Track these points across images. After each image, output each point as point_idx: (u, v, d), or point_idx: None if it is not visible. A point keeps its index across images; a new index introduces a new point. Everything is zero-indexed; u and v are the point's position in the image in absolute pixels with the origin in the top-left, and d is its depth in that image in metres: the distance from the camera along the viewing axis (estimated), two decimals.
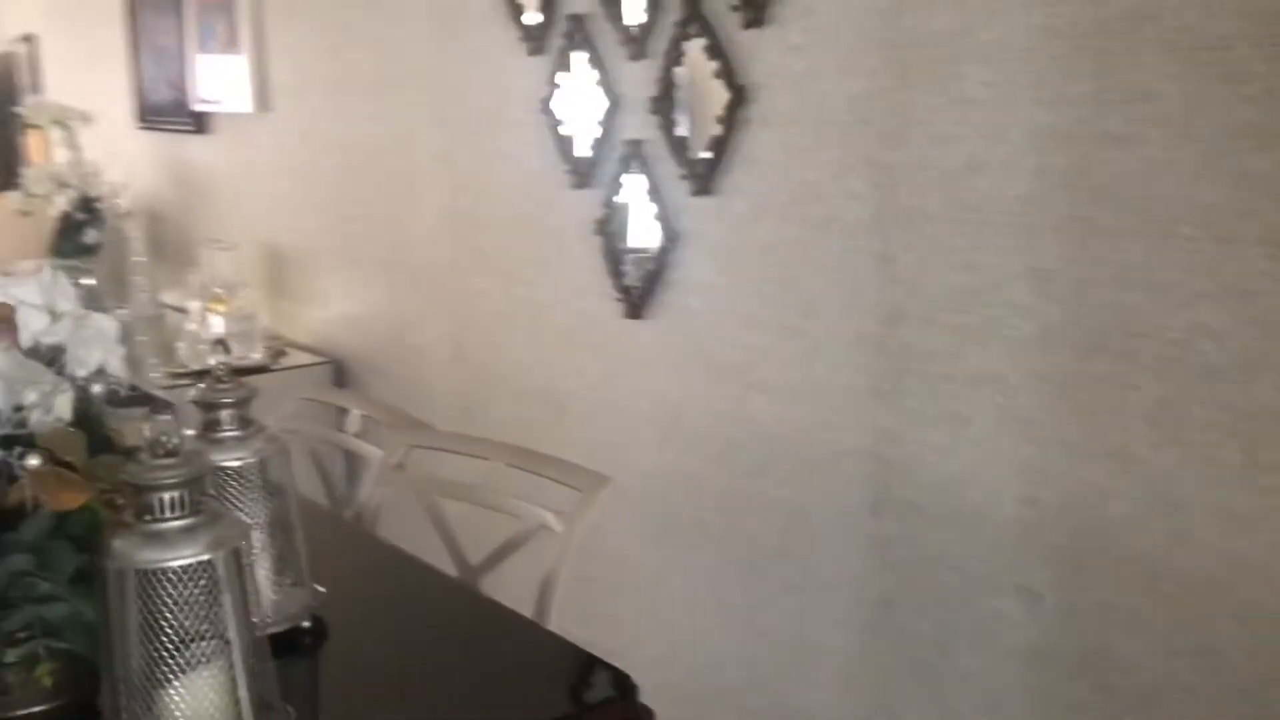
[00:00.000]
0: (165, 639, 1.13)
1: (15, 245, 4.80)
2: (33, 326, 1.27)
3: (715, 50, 2.11)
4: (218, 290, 3.70)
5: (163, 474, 1.14)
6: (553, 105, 2.50)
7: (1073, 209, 1.64)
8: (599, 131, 2.40)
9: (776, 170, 2.07)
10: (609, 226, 2.42)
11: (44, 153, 5.35)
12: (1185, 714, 1.62)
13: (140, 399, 1.57)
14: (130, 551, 1.13)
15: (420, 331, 3.14)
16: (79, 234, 4.57)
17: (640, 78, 2.29)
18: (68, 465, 1.27)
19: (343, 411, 2.44)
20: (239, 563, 1.18)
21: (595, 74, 2.38)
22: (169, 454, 1.16)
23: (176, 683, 1.14)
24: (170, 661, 1.14)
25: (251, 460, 1.49)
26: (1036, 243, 1.70)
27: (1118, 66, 1.58)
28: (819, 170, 1.99)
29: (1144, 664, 1.65)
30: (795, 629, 2.19)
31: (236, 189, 4.02)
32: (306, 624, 1.55)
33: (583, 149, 2.45)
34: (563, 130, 2.49)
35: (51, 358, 1.29)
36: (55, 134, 5.01)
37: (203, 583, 1.14)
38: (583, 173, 2.46)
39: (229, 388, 1.50)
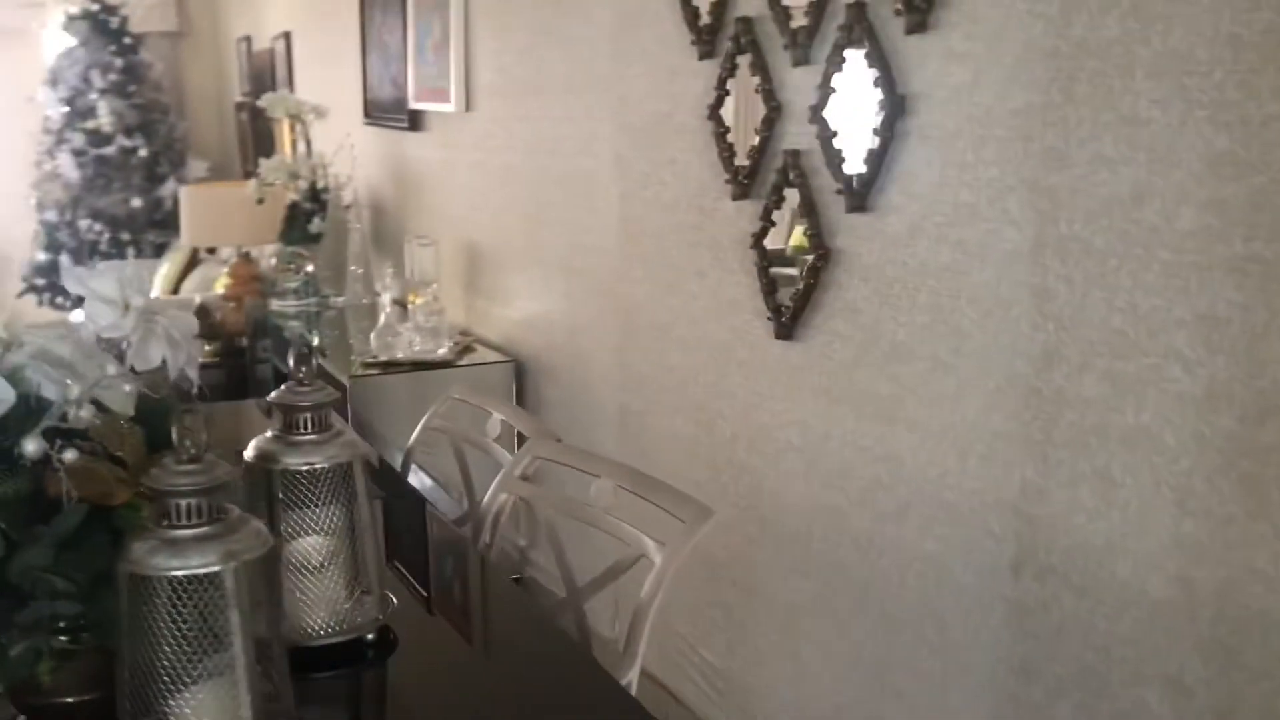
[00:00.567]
0: (168, 649, 1.11)
1: (251, 230, 5.10)
2: (99, 320, 1.28)
3: (876, 57, 1.95)
4: (415, 285, 3.79)
5: (181, 480, 1.12)
6: (719, 111, 2.40)
7: (1249, 249, 1.41)
8: (759, 141, 2.28)
9: (933, 188, 1.89)
10: (765, 241, 2.30)
11: (290, 143, 5.67)
12: None
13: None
14: (142, 556, 1.11)
15: (589, 337, 3.10)
16: (305, 223, 4.81)
17: (802, 85, 2.15)
18: (118, 461, 1.27)
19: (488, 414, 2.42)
20: (253, 576, 1.15)
21: (758, 80, 2.26)
22: (192, 460, 1.14)
23: (177, 695, 1.12)
24: (172, 673, 1.11)
25: (323, 465, 1.46)
26: (1206, 285, 1.47)
27: None
28: (976, 191, 1.80)
29: None
30: (929, 690, 2.00)
31: (442, 186, 4.11)
32: (370, 636, 1.51)
33: (743, 158, 2.34)
34: (727, 138, 2.39)
35: (117, 353, 1.29)
36: (295, 127, 5.29)
37: (210, 595, 1.11)
38: (742, 183, 2.34)
39: (308, 390, 1.48)
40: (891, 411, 2.03)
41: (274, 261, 4.85)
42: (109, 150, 7.29)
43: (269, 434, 1.48)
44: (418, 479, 3.38)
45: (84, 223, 7.33)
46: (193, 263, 6.34)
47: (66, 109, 7.29)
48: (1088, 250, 1.63)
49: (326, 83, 5.46)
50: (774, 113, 2.24)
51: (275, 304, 4.63)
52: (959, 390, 1.88)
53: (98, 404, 1.29)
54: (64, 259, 7.37)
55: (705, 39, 2.42)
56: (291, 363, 1.47)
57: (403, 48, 4.22)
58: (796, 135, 2.19)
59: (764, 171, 2.29)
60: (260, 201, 4.85)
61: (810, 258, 2.17)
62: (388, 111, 4.53)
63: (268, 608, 1.20)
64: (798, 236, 2.21)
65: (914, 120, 1.91)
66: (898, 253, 1.98)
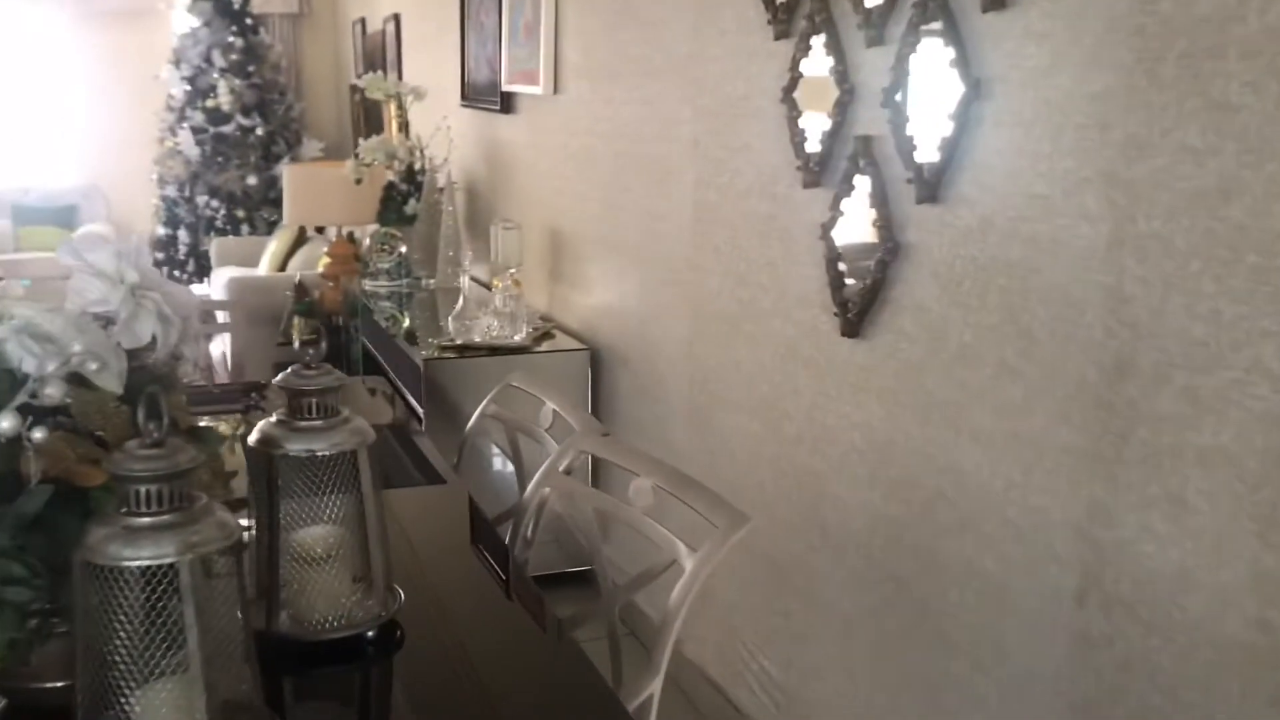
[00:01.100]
0: (123, 642, 1.05)
1: (350, 210, 5.13)
2: (87, 294, 1.24)
3: (951, 36, 1.81)
4: (498, 269, 3.75)
5: (139, 464, 1.06)
6: (793, 94, 2.28)
7: None
8: (831, 125, 2.15)
9: (1006, 179, 1.74)
10: (833, 231, 2.17)
11: (397, 125, 5.70)
12: None
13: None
14: (96, 543, 1.05)
15: (661, 327, 3.01)
16: (401, 204, 4.81)
17: (876, 66, 2.02)
18: (100, 442, 1.22)
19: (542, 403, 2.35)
20: (218, 569, 1.09)
21: (831, 60, 2.13)
22: (155, 444, 1.08)
23: (133, 690, 1.06)
24: (127, 667, 1.06)
25: (325, 452, 1.40)
26: None
27: None
28: (1051, 182, 1.65)
29: None
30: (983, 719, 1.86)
31: (530, 170, 4.05)
32: (370, 634, 1.45)
33: (815, 144, 2.21)
34: (800, 122, 2.26)
35: (104, 325, 1.25)
36: (396, 108, 5.31)
37: (165, 588, 1.06)
38: (813, 170, 2.22)
39: (315, 374, 1.42)
40: (956, 419, 1.89)
41: (369, 242, 4.86)
42: (227, 129, 7.45)
43: (273, 418, 1.42)
44: (473, 467, 3.33)
45: (201, 199, 7.51)
46: (300, 240, 6.43)
47: (188, 88, 7.47)
48: (1168, 250, 1.47)
49: (429, 64, 5.46)
50: (846, 96, 2.11)
51: (368, 284, 4.64)
52: (1026, 399, 1.73)
53: (85, 381, 1.24)
54: (182, 234, 7.58)
55: (781, 18, 2.30)
56: (296, 344, 1.41)
57: (498, 29, 4.17)
58: (869, 120, 2.06)
59: (835, 158, 2.16)
60: (358, 182, 4.88)
61: (878, 251, 2.03)
62: (482, 93, 4.50)
63: (237, 603, 1.13)
64: (866, 228, 2.08)
65: (989, 105, 1.77)
66: (968, 248, 1.84)
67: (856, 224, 2.12)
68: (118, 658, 1.05)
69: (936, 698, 1.96)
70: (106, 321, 1.25)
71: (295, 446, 1.40)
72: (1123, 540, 1.57)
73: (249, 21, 7.55)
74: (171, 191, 7.55)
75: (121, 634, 1.05)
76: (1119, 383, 1.56)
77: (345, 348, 5.08)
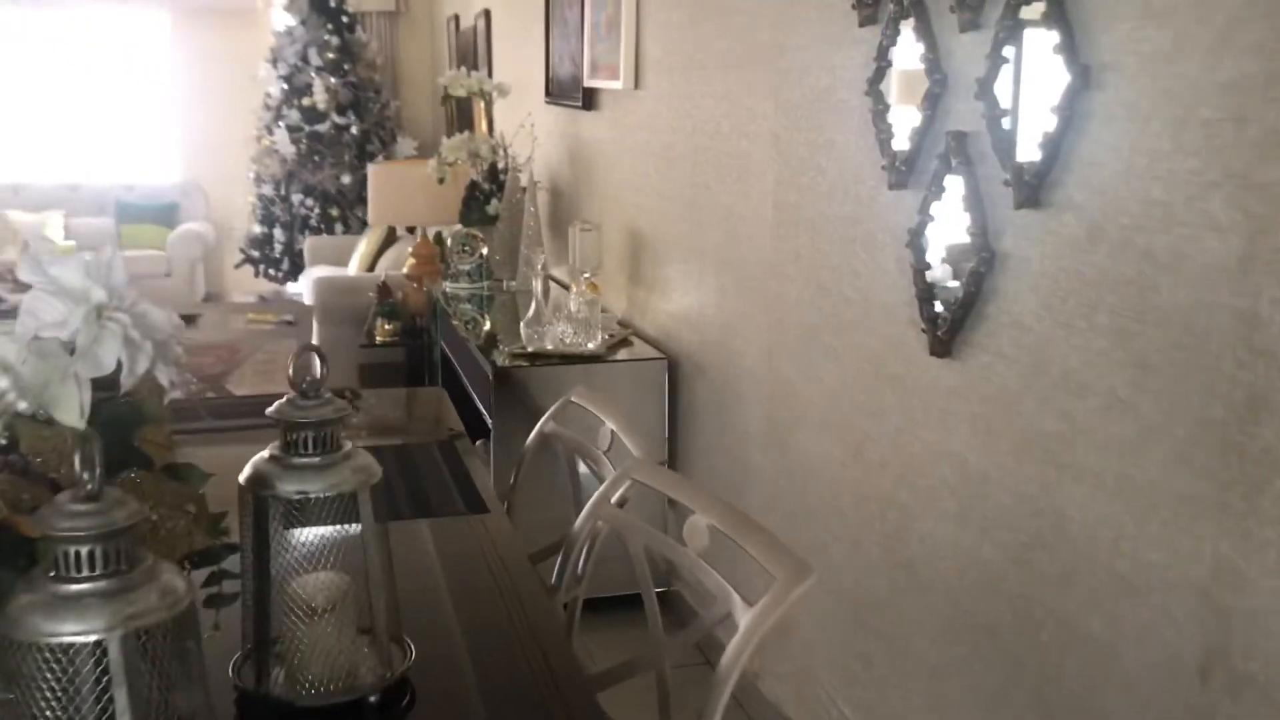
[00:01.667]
0: None
1: (434, 210, 5.02)
2: (41, 315, 1.09)
3: (1056, 18, 1.58)
4: (574, 272, 3.58)
5: (67, 521, 0.91)
6: (879, 86, 2.06)
7: None
8: (920, 120, 1.93)
9: (1119, 181, 1.51)
10: (922, 238, 1.95)
11: (485, 123, 5.59)
12: None
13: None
14: (15, 614, 0.90)
15: (740, 337, 2.81)
16: (483, 203, 4.68)
17: (971, 53, 1.79)
18: (56, 485, 1.08)
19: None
20: (161, 644, 0.93)
21: (921, 47, 1.91)
22: (88, 497, 0.93)
23: None
24: None
25: (320, 495, 1.24)
26: None
27: None
28: (1172, 186, 1.41)
29: None
30: None
31: (611, 168, 3.88)
32: (373, 699, 1.28)
33: (903, 141, 1.99)
34: (887, 117, 2.04)
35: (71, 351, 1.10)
36: (481, 106, 5.19)
37: (93, 668, 0.90)
38: (900, 170, 2.00)
39: (312, 405, 1.26)
40: (1058, 454, 1.65)
41: (449, 242, 4.75)
42: (322, 127, 7.45)
43: (267, 453, 1.27)
44: (531, 489, 3.15)
45: (296, 197, 7.52)
46: (390, 240, 6.37)
47: (285, 86, 7.48)
48: None
49: (517, 61, 5.34)
50: (937, 87, 1.88)
51: (448, 286, 4.53)
52: (1140, 436, 1.49)
53: (44, 416, 1.10)
54: (277, 232, 7.60)
55: (867, 2, 2.08)
56: (290, 370, 1.25)
57: (580, 23, 4.01)
58: (962, 114, 1.83)
59: (924, 157, 1.94)
60: (441, 181, 4.77)
61: (972, 261, 1.81)
62: (566, 90, 4.34)
63: (194, 678, 0.98)
64: (959, 234, 1.86)
65: (1099, 96, 1.53)
66: (1073, 260, 1.60)
67: (948, 230, 1.90)
68: None
69: None
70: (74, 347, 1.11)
71: (288, 487, 1.24)
72: (1256, 610, 1.33)
73: (345, 19, 7.53)
74: (268, 190, 7.57)
75: (47, 716, 0.90)
76: (1251, 423, 1.31)
77: (426, 351, 4.98)
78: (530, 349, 3.31)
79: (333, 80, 7.42)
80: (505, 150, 4.66)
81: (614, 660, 1.70)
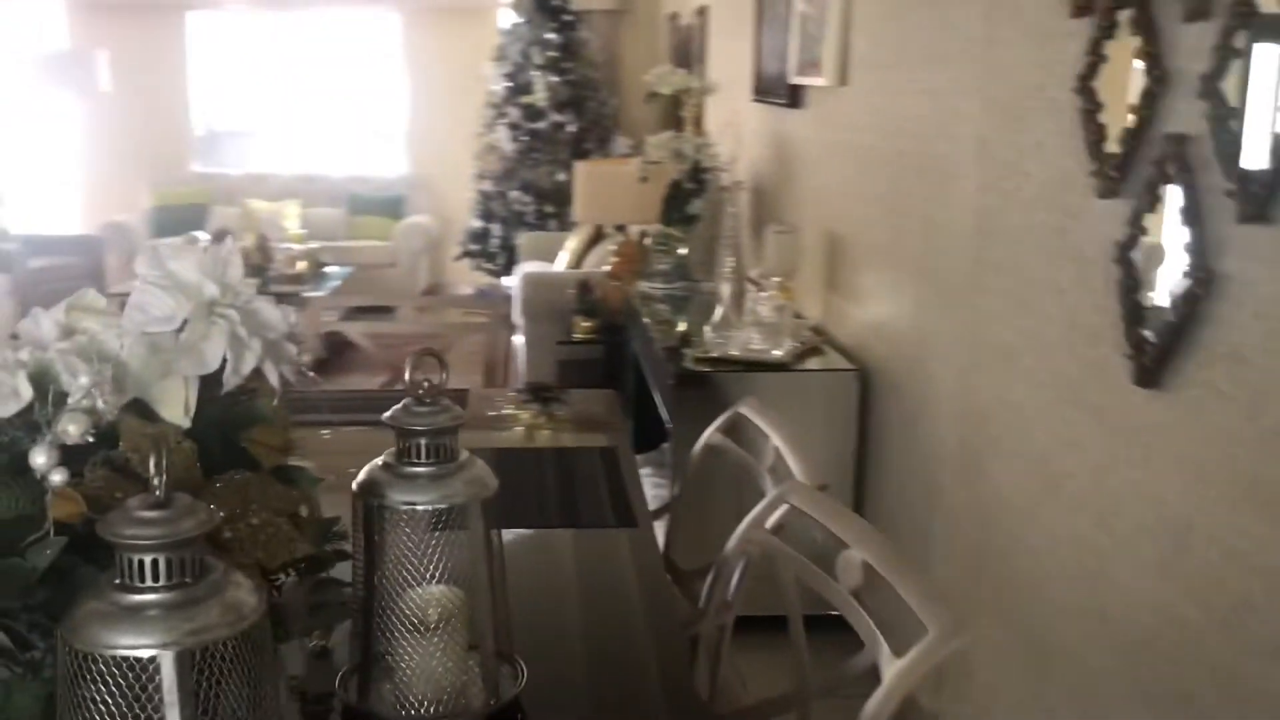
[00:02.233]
0: None
1: (637, 209, 4.99)
2: (150, 309, 1.06)
3: None
4: (766, 276, 3.47)
5: (129, 529, 0.87)
6: (1091, 83, 1.85)
7: None
8: (1135, 121, 1.72)
9: None
10: (1131, 253, 1.74)
11: (694, 121, 5.53)
12: None
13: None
14: (77, 623, 0.87)
15: (934, 352, 2.62)
16: (684, 203, 4.61)
17: (1195, 46, 1.58)
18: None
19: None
20: (218, 663, 0.88)
21: (1139, 39, 1.70)
22: (156, 505, 0.88)
23: None
24: None
25: (427, 507, 1.18)
26: None
27: None
28: None
29: None
30: None
31: (814, 169, 3.74)
32: None
33: (1115, 144, 1.78)
34: (1098, 118, 1.84)
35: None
36: (690, 104, 5.12)
37: (147, 684, 0.86)
38: (1111, 176, 1.79)
39: (427, 411, 1.20)
40: (1278, 506, 1.43)
41: (648, 241, 4.70)
42: (541, 125, 7.55)
43: (380, 459, 1.21)
44: (696, 502, 3.05)
45: (514, 194, 7.65)
46: (598, 238, 6.39)
47: (509, 84, 7.62)
48: None
49: (729, 58, 5.24)
50: (1156, 84, 1.67)
51: (644, 286, 4.47)
52: None
53: (149, 413, 1.08)
54: (495, 226, 7.76)
55: None
56: (407, 373, 1.19)
57: (788, 18, 3.87)
58: (1183, 115, 1.61)
59: (1138, 163, 1.73)
60: (644, 180, 4.72)
61: (1187, 282, 1.59)
62: (772, 87, 4.21)
63: (250, 703, 0.92)
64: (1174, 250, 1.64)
65: None
66: None
67: (1162, 245, 1.68)
68: None
69: None
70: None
71: (397, 496, 1.18)
72: None
73: (568, 18, 7.61)
74: (488, 186, 7.74)
75: None
76: None
77: (624, 350, 4.95)
78: (714, 354, 3.20)
79: (553, 78, 7.51)
80: (709, 149, 4.57)
81: (766, 685, 1.60)
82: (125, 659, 0.85)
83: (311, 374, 1.26)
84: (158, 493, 0.88)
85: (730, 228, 4.24)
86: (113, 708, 0.86)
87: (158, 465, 0.89)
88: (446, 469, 1.20)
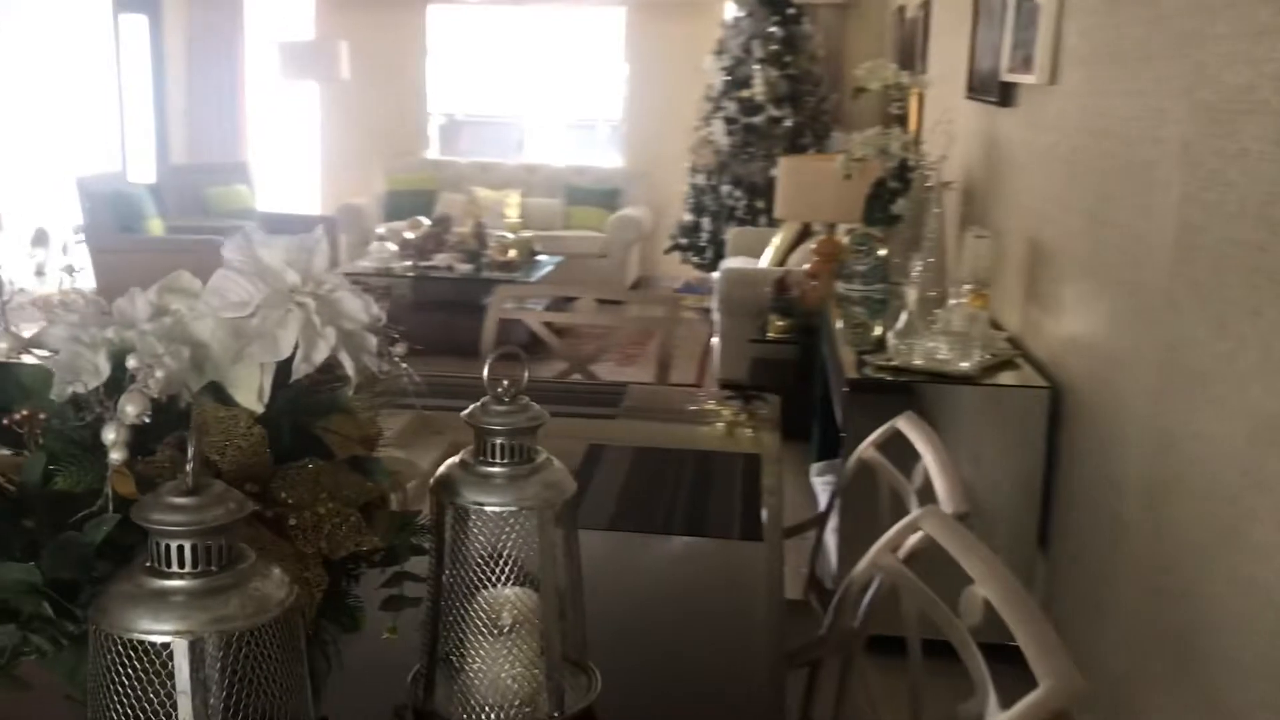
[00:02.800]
0: None
1: (839, 207, 4.87)
2: (227, 294, 1.07)
3: None
4: (956, 283, 3.29)
5: (157, 514, 0.87)
6: None
7: None
8: None
9: None
10: None
11: (915, 117, 5.35)
12: None
13: None
14: (106, 605, 0.87)
15: (1126, 373, 2.41)
16: (888, 202, 4.45)
17: None
18: (216, 468, 1.06)
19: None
20: (236, 654, 0.87)
21: None
22: (189, 491, 0.88)
23: None
24: None
25: (497, 510, 1.14)
26: None
27: None
28: None
29: None
30: None
31: (1020, 172, 3.52)
32: None
33: None
34: None
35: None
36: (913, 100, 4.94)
37: (157, 669, 0.85)
38: None
39: (505, 410, 1.17)
40: None
41: (847, 241, 4.56)
42: (758, 119, 7.48)
43: (459, 457, 1.19)
44: (849, 516, 2.91)
45: (725, 188, 7.62)
46: (805, 235, 6.27)
47: (727, 78, 7.58)
48: None
49: (946, 53, 5.03)
50: None
51: (841, 286, 4.34)
52: None
53: (222, 395, 1.09)
54: (705, 221, 7.75)
55: None
56: (486, 371, 1.16)
57: (1003, 11, 3.67)
58: None
59: None
60: (847, 177, 4.58)
61: None
62: (985, 84, 4.00)
63: (273, 696, 0.91)
64: None
65: None
66: None
67: None
68: None
69: None
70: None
71: (468, 496, 1.15)
72: None
73: (791, 11, 7.50)
74: (701, 180, 7.73)
75: (115, 714, 0.87)
76: None
77: (817, 352, 4.83)
78: (895, 362, 3.07)
79: (773, 72, 7.42)
80: (918, 147, 4.40)
81: (894, 709, 1.50)
82: (141, 643, 0.85)
83: (404, 365, 1.25)
84: (189, 482, 0.88)
85: (933, 229, 4.07)
86: (128, 690, 0.86)
87: (191, 453, 0.88)
88: (519, 471, 1.16)
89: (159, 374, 0.96)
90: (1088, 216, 2.75)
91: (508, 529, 1.16)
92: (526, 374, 1.18)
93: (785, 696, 1.31)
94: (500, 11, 9.16)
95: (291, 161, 9.07)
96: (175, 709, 0.85)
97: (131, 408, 0.97)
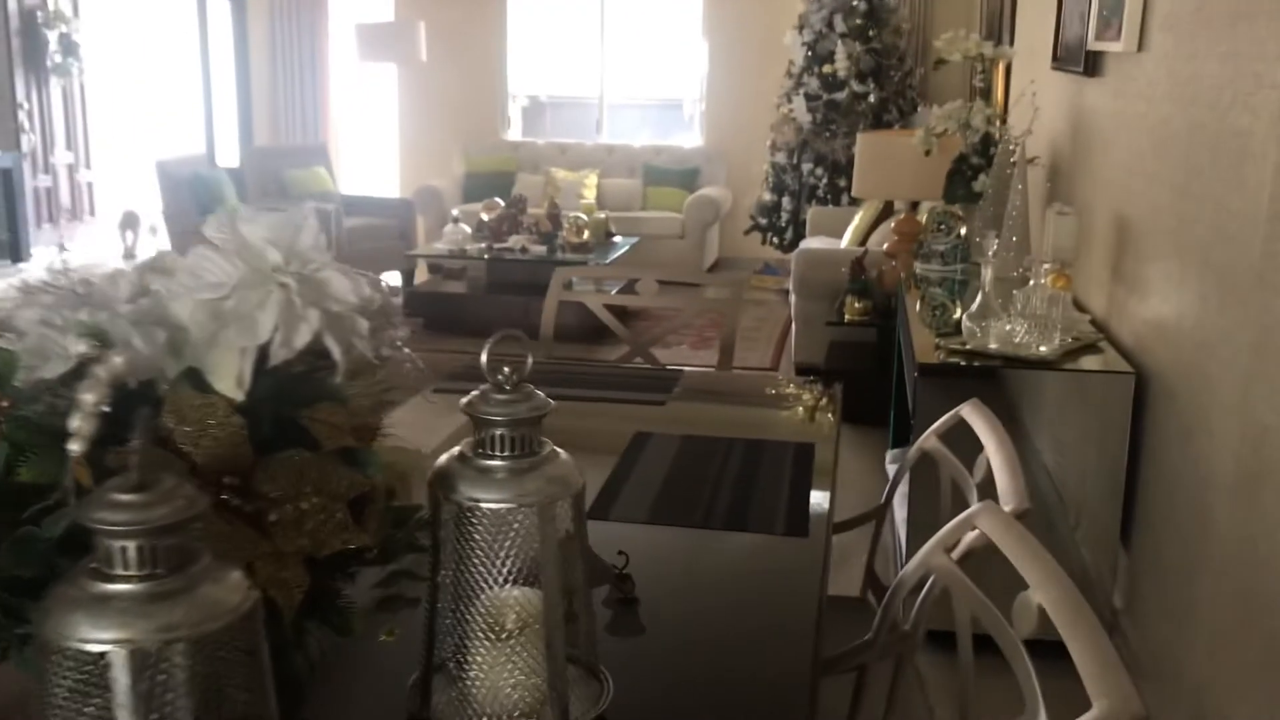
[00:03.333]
0: None
1: (918, 184, 4.70)
2: (203, 274, 1.00)
3: None
4: (1036, 261, 3.13)
5: (100, 513, 0.80)
6: None
7: None
8: None
9: None
10: None
11: (989, 90, 5.15)
12: None
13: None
14: (45, 613, 0.81)
15: (1216, 358, 2.25)
16: (969, 179, 4.28)
17: None
18: (190, 460, 0.99)
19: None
20: (177, 666, 0.80)
21: None
22: (135, 487, 0.81)
23: None
24: None
25: (493, 506, 1.06)
26: None
27: None
28: None
29: None
30: None
31: (1106, 145, 3.34)
32: None
33: None
34: None
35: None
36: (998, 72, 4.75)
37: (94, 679, 0.79)
38: None
39: (507, 399, 1.08)
40: None
41: (925, 219, 4.40)
42: (840, 95, 7.29)
43: (457, 449, 1.11)
44: (912, 507, 2.79)
45: (806, 166, 7.45)
46: (886, 213, 6.09)
47: (809, 53, 7.40)
48: None
49: (1033, 24, 4.82)
50: None
51: (919, 266, 4.19)
52: None
53: (201, 381, 1.02)
54: (785, 200, 7.59)
55: None
56: (484, 357, 1.08)
57: None
58: None
59: None
60: (927, 153, 4.41)
61: None
62: (1071, 54, 3.81)
63: (243, 706, 0.84)
64: None
65: None
66: None
67: None
68: None
69: None
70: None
71: (466, 491, 1.07)
72: None
73: None
74: (781, 158, 7.57)
75: None
76: None
77: (895, 334, 4.68)
78: (969, 345, 2.92)
79: (857, 46, 7.22)
80: (1002, 121, 4.21)
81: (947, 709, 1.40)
82: (77, 652, 0.78)
83: (406, 349, 1.17)
84: (135, 478, 0.81)
85: (1016, 207, 3.89)
86: (63, 701, 0.79)
87: (141, 443, 0.82)
88: (521, 465, 1.08)
89: (117, 359, 0.89)
90: (1176, 192, 2.57)
91: (509, 526, 1.07)
92: (530, 359, 1.09)
93: (817, 706, 1.21)
94: None
95: (370, 144, 9.11)
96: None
97: (89, 395, 0.90)
